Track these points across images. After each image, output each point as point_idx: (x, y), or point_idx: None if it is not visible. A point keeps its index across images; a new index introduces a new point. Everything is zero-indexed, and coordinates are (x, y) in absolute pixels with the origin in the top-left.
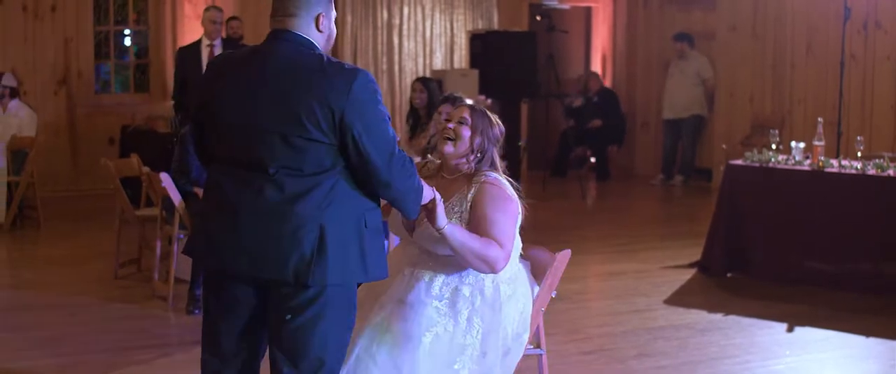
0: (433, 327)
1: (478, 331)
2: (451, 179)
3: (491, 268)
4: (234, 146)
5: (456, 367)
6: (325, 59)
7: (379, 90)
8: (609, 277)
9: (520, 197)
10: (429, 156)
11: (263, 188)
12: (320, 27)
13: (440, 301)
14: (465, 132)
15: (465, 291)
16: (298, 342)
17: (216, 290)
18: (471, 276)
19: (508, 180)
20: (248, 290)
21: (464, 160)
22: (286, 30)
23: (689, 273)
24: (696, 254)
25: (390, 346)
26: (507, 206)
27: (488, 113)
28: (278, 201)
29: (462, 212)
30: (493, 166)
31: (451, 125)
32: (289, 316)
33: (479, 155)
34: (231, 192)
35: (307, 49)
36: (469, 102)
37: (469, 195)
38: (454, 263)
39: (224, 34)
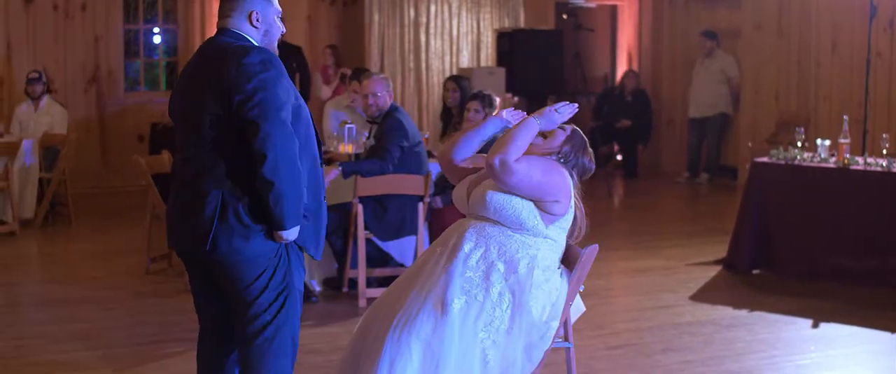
0: (464, 294)
1: (507, 306)
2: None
3: (492, 153)
4: (179, 150)
5: (481, 337)
6: (237, 44)
7: (277, 64)
8: (635, 273)
9: (577, 205)
10: None
11: (180, 171)
12: (253, 22)
13: (475, 273)
14: (560, 134)
15: (500, 266)
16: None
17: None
18: (508, 254)
19: (575, 191)
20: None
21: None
22: (222, 28)
23: (714, 270)
24: (721, 251)
25: (427, 315)
26: (551, 170)
27: (584, 138)
28: (187, 177)
29: None
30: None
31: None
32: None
33: (562, 158)
34: (171, 183)
35: (235, 41)
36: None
37: None
38: (497, 237)
39: None
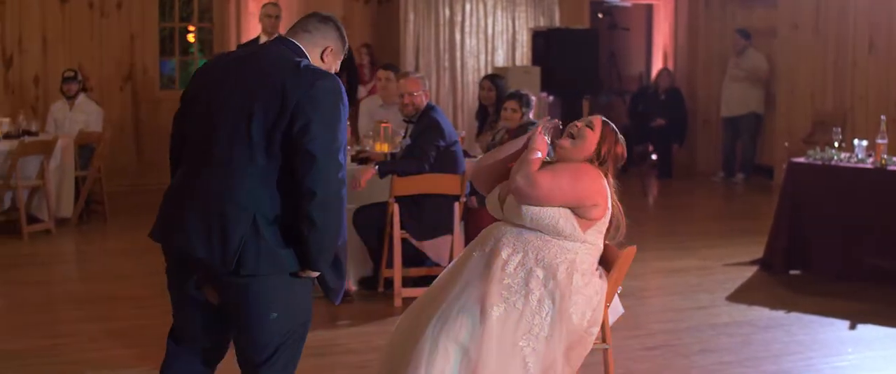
0: (503, 302)
1: (547, 313)
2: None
3: (513, 177)
4: (199, 134)
5: (521, 344)
6: (304, 61)
7: (345, 98)
8: (671, 273)
9: (616, 206)
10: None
11: (212, 176)
12: (324, 58)
13: (513, 280)
14: (590, 136)
15: (539, 273)
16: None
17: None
18: (546, 259)
19: (612, 189)
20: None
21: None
22: (289, 39)
23: (750, 270)
24: (757, 251)
25: (465, 318)
26: (582, 176)
27: (620, 135)
28: (221, 188)
29: None
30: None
31: (578, 123)
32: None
33: (596, 161)
34: (186, 178)
35: (296, 55)
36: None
37: None
38: (534, 243)
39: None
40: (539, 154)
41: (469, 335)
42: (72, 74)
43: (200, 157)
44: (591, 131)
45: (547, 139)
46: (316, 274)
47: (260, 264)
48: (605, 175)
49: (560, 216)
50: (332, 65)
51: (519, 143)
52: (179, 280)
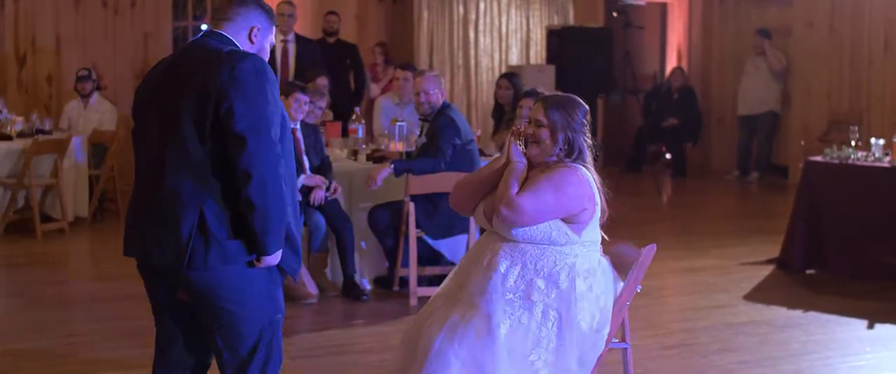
0: (508, 318)
1: (553, 323)
2: (538, 171)
3: (495, 208)
4: (140, 139)
5: (531, 359)
6: (227, 48)
7: (270, 76)
8: (687, 273)
9: (599, 192)
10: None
11: (153, 177)
12: (252, 38)
13: (515, 294)
14: (544, 135)
15: (540, 283)
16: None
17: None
18: (546, 268)
19: (592, 173)
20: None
21: (554, 157)
22: (214, 30)
23: (767, 269)
24: (773, 251)
25: (469, 340)
26: (563, 186)
27: (563, 99)
28: (163, 186)
29: None
30: (580, 157)
31: (530, 131)
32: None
33: (566, 147)
34: (136, 188)
35: (223, 44)
36: (544, 93)
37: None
38: (531, 252)
39: (306, 27)
40: (520, 166)
41: (476, 355)
42: (86, 72)
43: (142, 163)
44: (543, 129)
45: (521, 147)
46: (273, 260)
47: (209, 258)
48: (584, 161)
49: (552, 229)
50: (264, 42)
51: (497, 162)
52: (152, 290)
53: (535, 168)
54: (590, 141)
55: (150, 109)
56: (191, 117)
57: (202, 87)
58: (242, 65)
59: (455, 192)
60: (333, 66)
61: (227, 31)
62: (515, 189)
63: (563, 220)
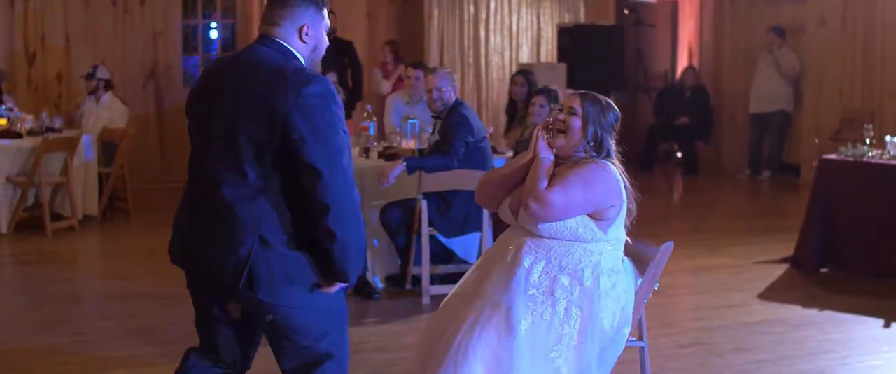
0: (530, 314)
1: (575, 321)
2: (566, 163)
3: (524, 202)
4: (196, 147)
5: (552, 356)
6: (292, 66)
7: (337, 99)
8: (701, 271)
9: (626, 191)
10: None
11: (210, 191)
12: (304, 38)
13: (538, 290)
14: (576, 123)
15: (564, 280)
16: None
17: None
18: (570, 265)
19: (620, 171)
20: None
21: (581, 152)
22: (267, 36)
23: (781, 268)
24: (786, 249)
25: (490, 336)
26: (592, 182)
27: (601, 98)
28: (221, 204)
29: None
30: (608, 156)
31: (560, 116)
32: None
33: (592, 144)
34: (189, 193)
35: (282, 56)
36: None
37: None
38: (556, 249)
39: None
40: (548, 161)
41: (496, 351)
42: (91, 71)
43: (199, 172)
44: (576, 118)
45: (547, 140)
46: (344, 285)
47: (272, 279)
48: (611, 159)
49: (578, 225)
50: (319, 35)
51: (523, 158)
52: (199, 298)
53: (562, 164)
54: (615, 147)
55: (207, 119)
56: (253, 141)
57: (265, 111)
58: (308, 90)
59: (481, 187)
60: (332, 63)
61: (278, 37)
62: (544, 183)
63: (590, 216)
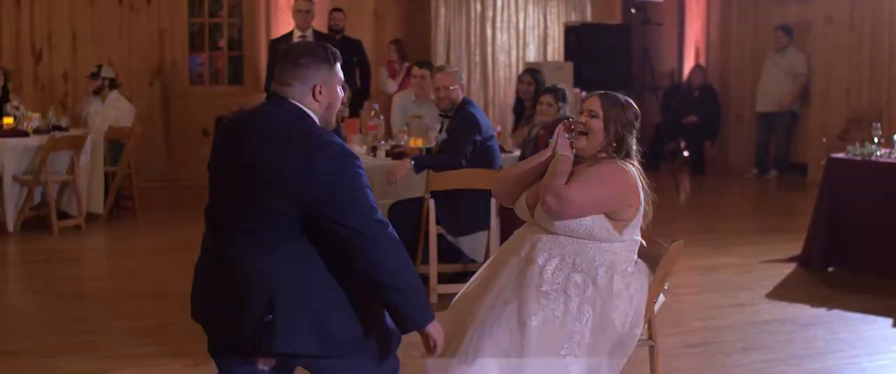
0: (541, 311)
1: (587, 319)
2: (588, 165)
3: (542, 197)
4: (214, 203)
5: (563, 353)
6: (302, 129)
7: (350, 157)
8: (708, 270)
9: (643, 190)
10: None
11: (227, 247)
12: (317, 97)
13: (551, 286)
14: (597, 125)
15: (578, 278)
16: None
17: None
18: (584, 263)
19: (639, 172)
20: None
21: (603, 152)
22: (280, 96)
23: (788, 267)
24: (793, 248)
25: (501, 331)
26: (611, 181)
27: (621, 98)
28: (236, 261)
29: None
30: (628, 156)
31: (582, 119)
32: None
33: (615, 144)
34: (208, 249)
35: (295, 118)
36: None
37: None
38: (571, 247)
39: (317, 24)
40: (567, 160)
41: (507, 348)
42: (95, 70)
43: (219, 228)
44: (596, 120)
45: (568, 139)
46: (431, 330)
47: (298, 332)
48: (631, 159)
49: (594, 224)
50: (330, 96)
51: (543, 155)
52: (219, 353)
53: (582, 163)
54: (636, 146)
55: (224, 170)
56: (270, 206)
57: (278, 178)
58: (323, 156)
59: (499, 182)
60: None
61: (291, 97)
62: (563, 180)
63: (607, 216)
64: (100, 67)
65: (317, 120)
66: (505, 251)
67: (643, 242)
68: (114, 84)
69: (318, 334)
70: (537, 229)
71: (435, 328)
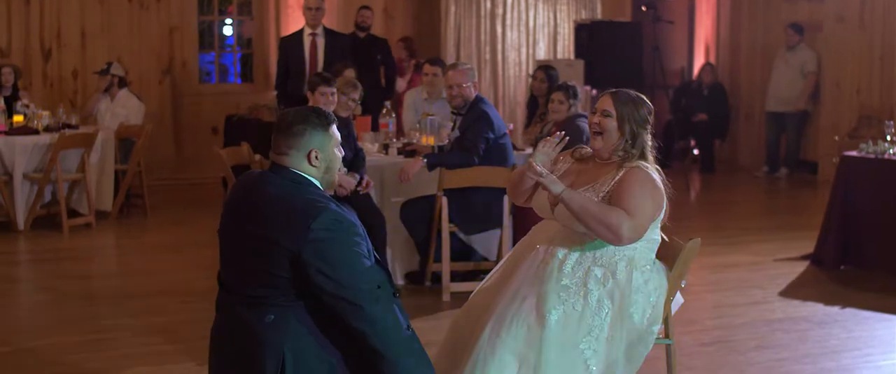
0: (562, 304)
1: (607, 313)
2: (603, 163)
3: (614, 233)
4: (224, 267)
5: (581, 347)
6: (299, 198)
7: (345, 224)
8: (721, 269)
9: (665, 190)
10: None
11: (232, 312)
12: (313, 162)
13: (571, 280)
14: (611, 124)
15: (597, 272)
16: None
17: None
18: (604, 258)
19: (658, 172)
20: None
21: (620, 151)
22: (280, 165)
23: (801, 266)
24: (806, 247)
25: (519, 326)
26: (653, 191)
27: (633, 95)
28: (244, 326)
29: (606, 194)
30: (643, 155)
31: (595, 119)
32: None
33: (629, 141)
34: (218, 317)
35: (294, 184)
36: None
37: (616, 178)
38: (591, 243)
39: (344, 21)
40: (554, 178)
41: (526, 343)
42: (104, 67)
43: (229, 291)
44: (610, 119)
45: (543, 161)
46: None
47: None
48: (647, 159)
49: None
50: (327, 160)
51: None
52: None
53: (598, 163)
54: (651, 141)
55: (227, 236)
56: (274, 274)
57: (281, 248)
58: (314, 225)
59: (512, 184)
60: (364, 61)
61: (290, 166)
62: (619, 212)
63: None
64: (109, 64)
65: (319, 184)
66: (524, 246)
67: (665, 237)
68: (123, 82)
69: None
70: (556, 224)
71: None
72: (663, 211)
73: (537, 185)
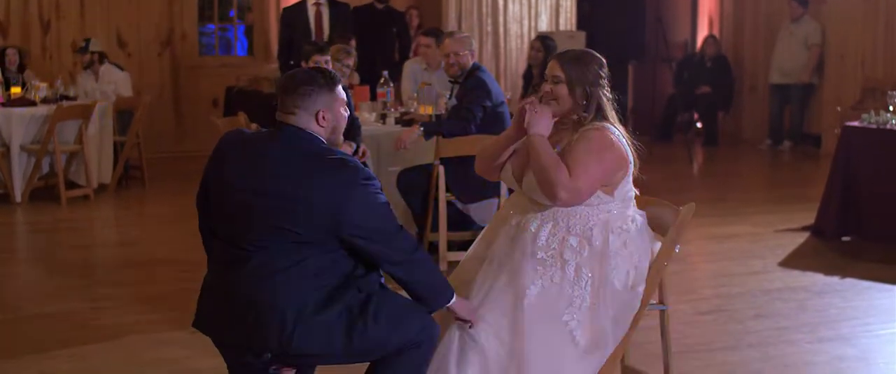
0: (539, 279)
1: (586, 282)
2: (563, 126)
3: (550, 192)
4: (228, 226)
5: (565, 319)
6: (313, 150)
7: (363, 176)
8: (722, 239)
9: (629, 145)
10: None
11: (239, 262)
12: (321, 122)
13: (547, 252)
14: (562, 90)
15: (573, 241)
16: None
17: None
18: (578, 226)
19: (620, 129)
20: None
21: (575, 115)
22: (289, 125)
23: (802, 236)
24: (807, 218)
25: (499, 302)
26: (603, 154)
27: (579, 52)
28: (245, 280)
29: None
30: (600, 112)
31: (547, 88)
32: None
33: (584, 102)
34: (218, 273)
35: (306, 142)
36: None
37: (570, 143)
38: (562, 211)
39: None
40: (541, 137)
41: (509, 317)
42: (83, 44)
43: (232, 257)
44: (561, 85)
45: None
46: (455, 305)
47: (314, 343)
48: (606, 117)
49: None
50: (334, 120)
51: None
52: (237, 364)
53: (558, 128)
54: (610, 95)
55: (233, 200)
56: (287, 229)
57: (299, 206)
58: (333, 182)
59: (479, 159)
60: (380, 32)
61: (297, 124)
62: (563, 171)
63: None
64: (87, 40)
65: (324, 142)
66: (496, 221)
67: (637, 191)
68: (103, 57)
69: (346, 332)
70: (525, 197)
71: (459, 305)
72: (631, 166)
73: (510, 156)
